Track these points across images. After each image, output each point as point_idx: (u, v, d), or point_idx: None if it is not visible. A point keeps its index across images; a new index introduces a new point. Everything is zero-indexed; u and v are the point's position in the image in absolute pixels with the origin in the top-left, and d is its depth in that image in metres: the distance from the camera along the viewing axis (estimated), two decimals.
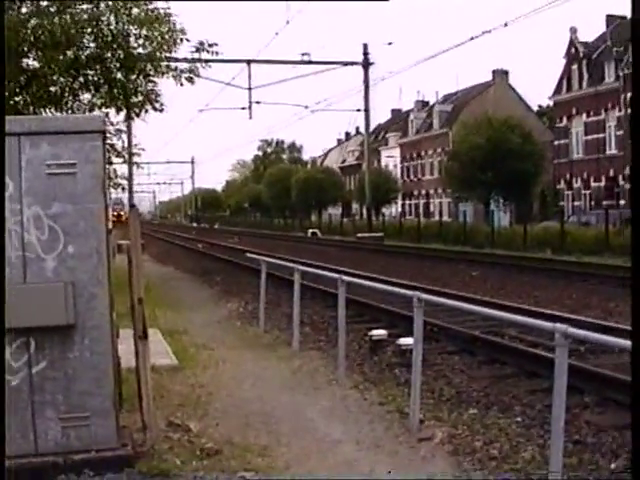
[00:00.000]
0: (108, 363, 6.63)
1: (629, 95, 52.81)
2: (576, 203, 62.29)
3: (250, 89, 46.34)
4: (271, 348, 12.99)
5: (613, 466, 6.91)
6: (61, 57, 17.97)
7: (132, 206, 8.26)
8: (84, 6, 18.47)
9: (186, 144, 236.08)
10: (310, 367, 11.29)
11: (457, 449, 7.39)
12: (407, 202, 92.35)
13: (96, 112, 19.51)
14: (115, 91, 19.43)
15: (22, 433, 6.42)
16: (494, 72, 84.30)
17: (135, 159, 26.76)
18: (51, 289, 6.43)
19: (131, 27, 18.88)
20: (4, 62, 7.16)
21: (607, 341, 6.85)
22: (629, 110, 53.44)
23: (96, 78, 19.42)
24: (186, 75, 20.45)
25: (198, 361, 11.69)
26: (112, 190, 25.33)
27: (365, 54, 53.69)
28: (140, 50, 19.33)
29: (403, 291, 10.16)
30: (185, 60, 21.64)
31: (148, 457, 6.95)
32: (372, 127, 69.15)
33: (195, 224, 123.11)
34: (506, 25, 36.79)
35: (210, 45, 20.61)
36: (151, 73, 19.95)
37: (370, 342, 12.44)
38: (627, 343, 6.21)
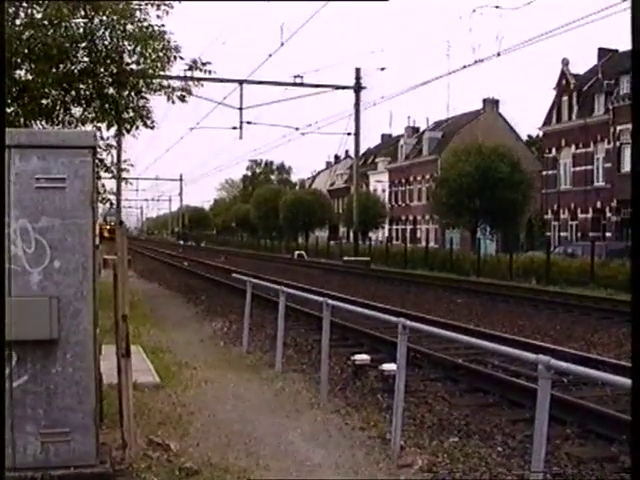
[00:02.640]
0: (90, 379, 6.60)
1: (618, 128, 53.17)
2: (562, 234, 62.44)
3: (241, 109, 46.41)
4: (254, 369, 12.95)
5: None
6: (53, 70, 17.99)
7: (120, 223, 8.23)
8: (79, 20, 18.49)
9: (175, 161, 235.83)
10: (292, 389, 11.27)
11: (437, 477, 7.37)
12: (394, 227, 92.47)
13: (87, 127, 19.53)
14: (107, 106, 19.45)
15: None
16: (485, 101, 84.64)
17: (124, 175, 26.74)
18: (36, 303, 6.41)
19: (125, 43, 18.91)
20: (4, 62, 7.15)
21: (589, 374, 6.85)
22: (618, 142, 53.79)
23: (88, 92, 19.43)
24: (178, 93, 20.51)
25: (180, 380, 11.65)
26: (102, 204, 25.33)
27: (357, 78, 53.85)
28: (133, 66, 19.37)
29: (388, 317, 10.14)
30: (178, 78, 21.70)
31: (127, 475, 6.92)
32: (362, 151, 69.36)
33: (182, 242, 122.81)
34: (499, 55, 36.93)
35: (203, 64, 20.69)
36: (143, 90, 20.00)
37: (353, 366, 12.41)
38: (609, 376, 6.25)
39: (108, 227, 36.19)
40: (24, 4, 18.25)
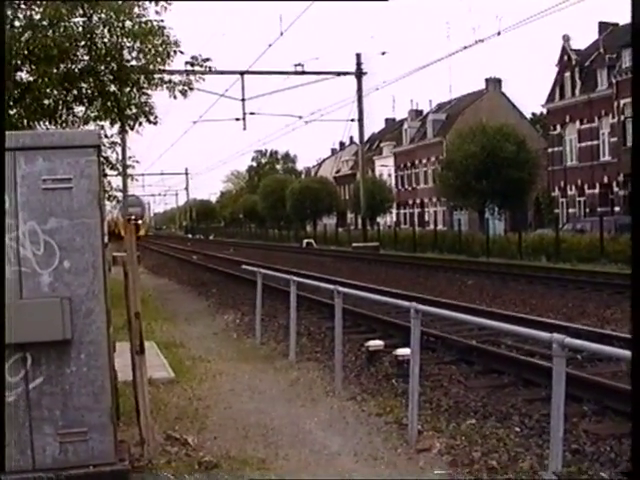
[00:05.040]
0: (105, 378, 6.60)
1: (622, 102, 52.98)
2: (571, 210, 62.33)
3: (244, 100, 46.39)
4: (268, 360, 12.96)
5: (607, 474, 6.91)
6: (55, 70, 18.00)
7: (129, 220, 8.25)
8: (77, 19, 18.50)
9: (180, 156, 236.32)
10: (307, 378, 11.28)
11: (456, 460, 7.37)
12: (402, 211, 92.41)
13: (91, 125, 19.57)
14: (109, 104, 19.48)
15: (20, 449, 6.39)
16: (487, 80, 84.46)
17: (129, 171, 26.81)
18: (47, 304, 6.40)
19: (125, 40, 18.92)
20: (4, 62, 7.14)
21: (604, 350, 6.85)
22: (622, 116, 53.59)
23: (90, 91, 19.47)
24: (180, 88, 20.53)
25: (195, 374, 11.67)
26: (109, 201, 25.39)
27: (358, 64, 53.71)
28: (134, 63, 19.39)
29: (400, 302, 10.14)
30: (179, 72, 21.73)
31: (146, 472, 6.94)
32: (366, 137, 69.12)
33: (190, 235, 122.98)
34: (499, 34, 36.90)
35: (204, 60, 20.77)
36: (145, 86, 20.03)
37: (367, 353, 12.41)
38: (623, 352, 6.24)
39: (134, 221, 35.75)
40: (22, 5, 18.27)
